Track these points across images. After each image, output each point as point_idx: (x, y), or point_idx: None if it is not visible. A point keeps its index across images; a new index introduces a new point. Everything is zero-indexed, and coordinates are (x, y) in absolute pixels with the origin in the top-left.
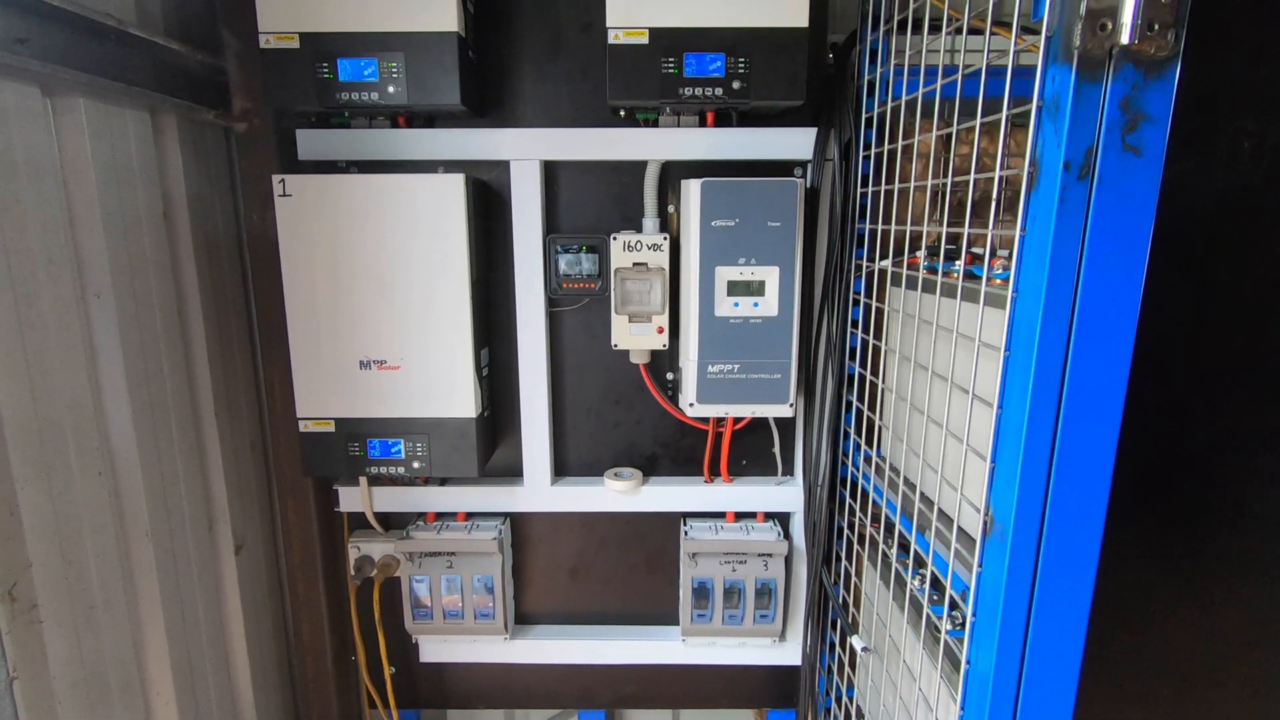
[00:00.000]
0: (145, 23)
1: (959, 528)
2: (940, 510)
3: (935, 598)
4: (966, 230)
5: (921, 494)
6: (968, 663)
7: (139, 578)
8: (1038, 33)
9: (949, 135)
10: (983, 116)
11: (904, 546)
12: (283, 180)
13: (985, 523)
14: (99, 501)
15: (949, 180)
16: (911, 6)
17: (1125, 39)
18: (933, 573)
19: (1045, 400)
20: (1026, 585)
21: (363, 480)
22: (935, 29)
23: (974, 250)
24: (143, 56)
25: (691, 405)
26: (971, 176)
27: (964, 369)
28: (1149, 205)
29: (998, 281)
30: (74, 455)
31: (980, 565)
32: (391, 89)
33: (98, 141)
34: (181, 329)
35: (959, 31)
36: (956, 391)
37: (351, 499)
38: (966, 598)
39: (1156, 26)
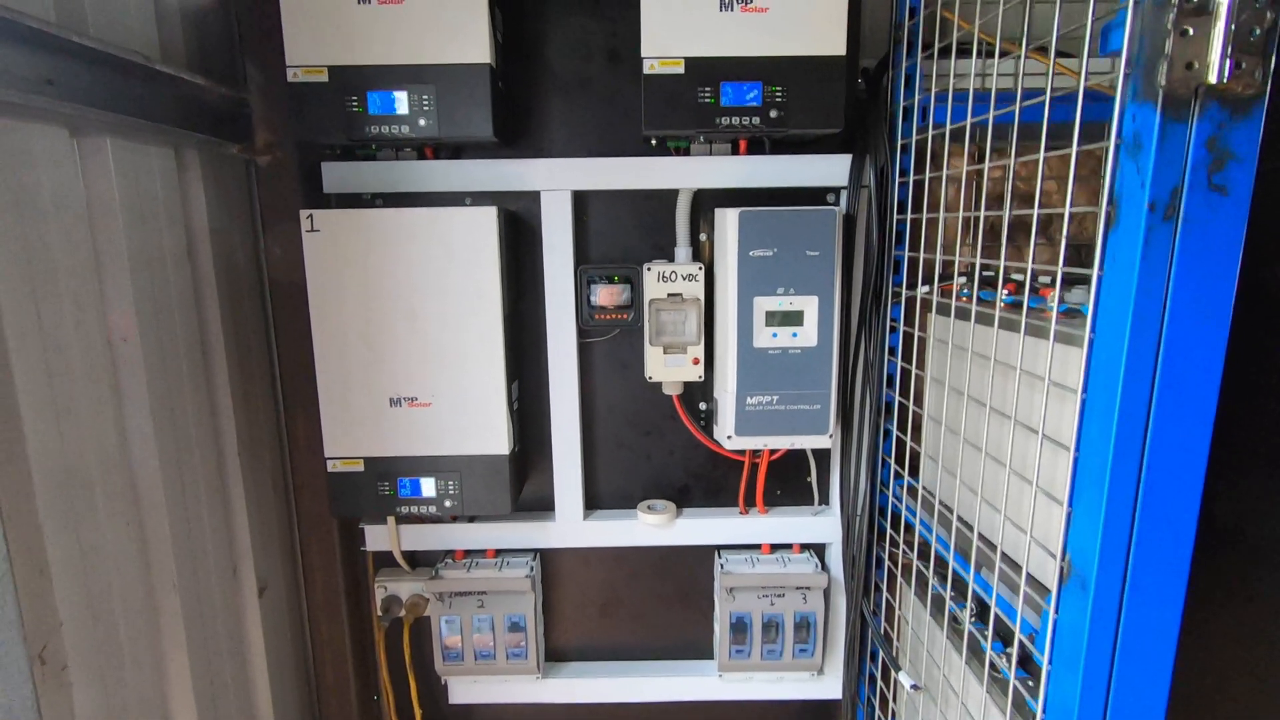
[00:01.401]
0: (169, 57)
1: (1025, 571)
2: (1002, 551)
3: (985, 632)
4: (1003, 260)
5: (979, 533)
6: (1044, 712)
7: (165, 628)
8: (1073, 56)
9: (984, 160)
10: (1019, 142)
11: (946, 577)
12: (310, 215)
13: (1062, 569)
14: (127, 553)
15: (1006, 211)
16: (938, 30)
17: (1213, 78)
18: (984, 607)
19: (1129, 446)
20: (1110, 634)
21: (390, 519)
22: (970, 53)
23: (1014, 278)
24: (168, 92)
25: (730, 438)
26: (1035, 211)
27: (1024, 403)
28: (1235, 245)
29: (1049, 313)
30: (102, 507)
31: (1057, 612)
32: (422, 121)
33: (124, 180)
34: (205, 368)
35: (991, 55)
36: (1013, 424)
37: (378, 538)
38: (1036, 642)
39: (1244, 65)
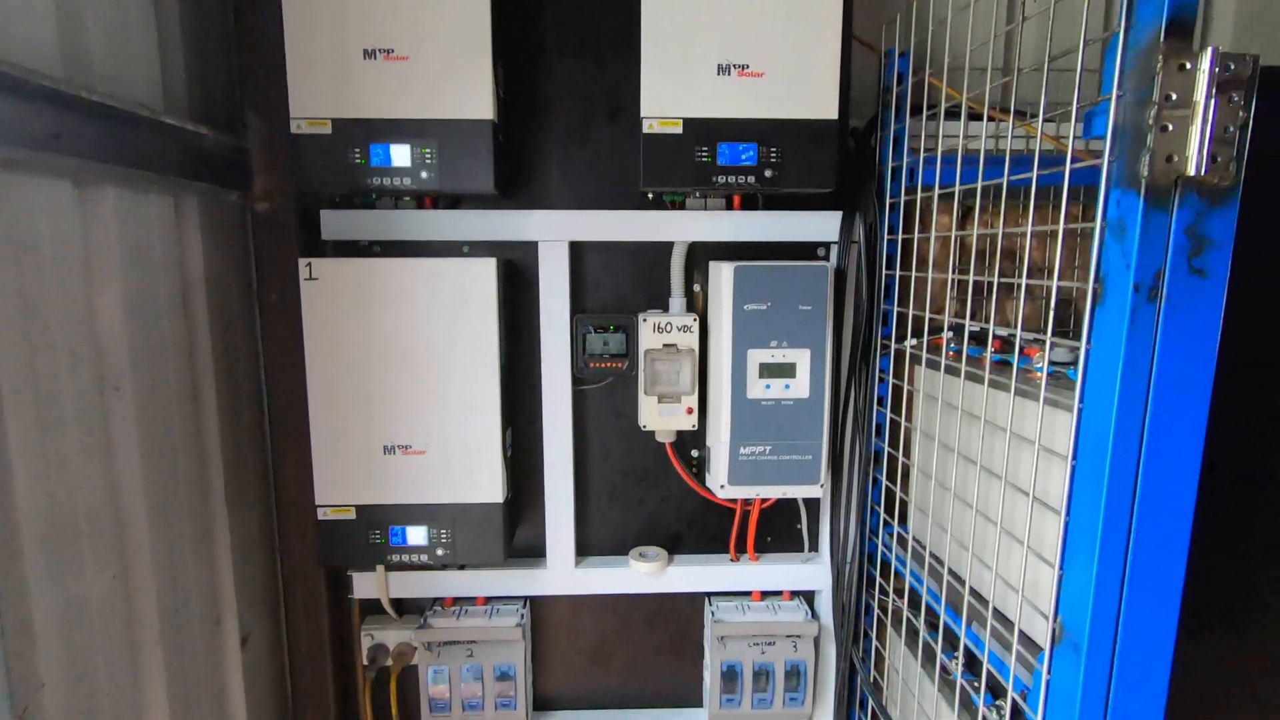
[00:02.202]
0: (172, 107)
1: (1013, 625)
2: (994, 607)
3: (976, 684)
4: (992, 325)
5: (971, 587)
6: None
7: (147, 685)
8: (1039, 117)
9: (969, 220)
10: (1006, 202)
11: (935, 626)
12: (310, 264)
13: (1054, 630)
14: (112, 607)
15: (996, 278)
16: (926, 97)
17: (1192, 170)
18: (973, 659)
19: (1118, 512)
20: (1102, 696)
21: (380, 567)
22: (962, 117)
23: (1000, 335)
24: (171, 143)
25: (723, 487)
26: (1022, 280)
27: (1010, 458)
28: (1215, 324)
29: (1035, 374)
30: (89, 560)
31: (1050, 672)
32: (424, 174)
33: (124, 230)
34: (195, 416)
35: (975, 119)
36: (1003, 483)
37: (366, 585)
38: (1029, 699)
39: (1219, 158)
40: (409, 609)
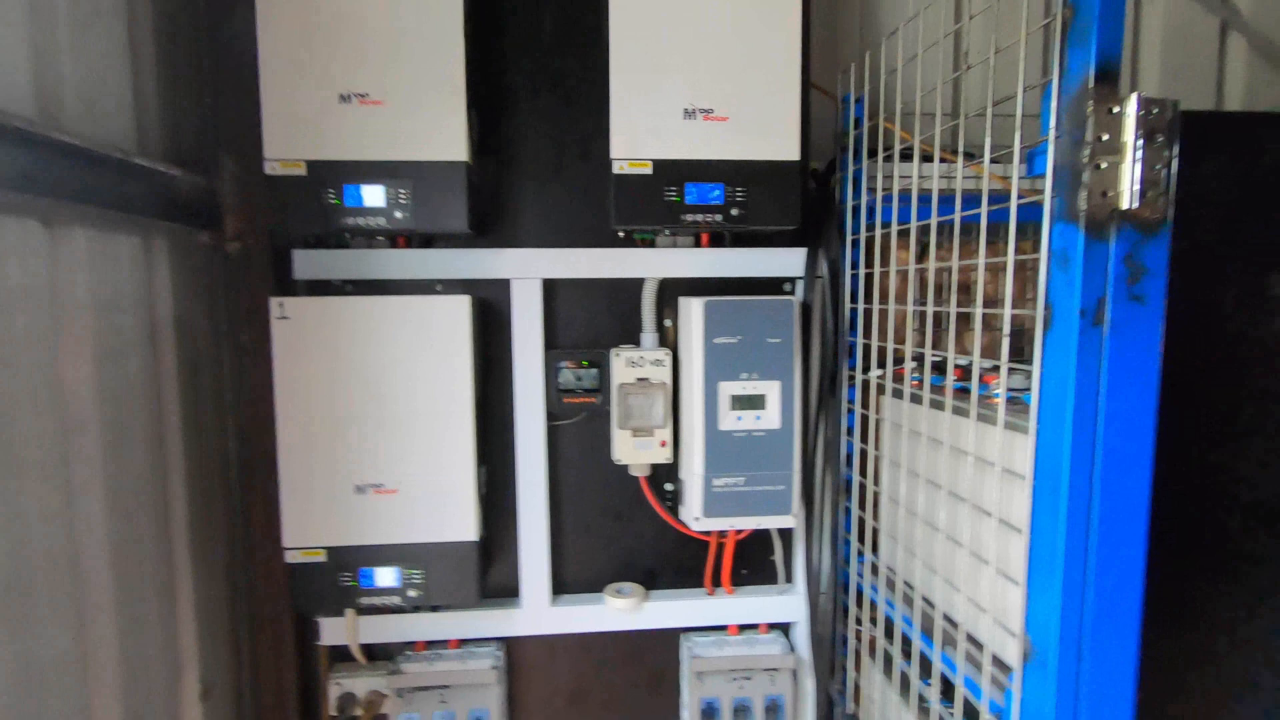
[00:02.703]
0: (144, 147)
1: (984, 647)
2: (965, 631)
3: (952, 710)
4: (951, 355)
5: (943, 612)
6: None
7: None
8: (984, 159)
9: (926, 255)
10: (961, 237)
11: (908, 653)
12: (281, 303)
13: (1025, 649)
14: (69, 660)
15: (953, 310)
16: (881, 140)
17: (1125, 205)
18: (949, 684)
19: (1077, 528)
20: (1071, 709)
21: (350, 611)
22: (915, 158)
23: (960, 364)
24: (142, 184)
25: (697, 519)
26: (978, 310)
27: (971, 481)
28: (1155, 344)
29: (994, 400)
30: (46, 612)
31: (1022, 690)
32: (399, 214)
33: (92, 271)
34: (161, 460)
35: (927, 160)
36: (968, 507)
37: (334, 631)
38: (1003, 718)
39: (1149, 194)
40: (378, 655)
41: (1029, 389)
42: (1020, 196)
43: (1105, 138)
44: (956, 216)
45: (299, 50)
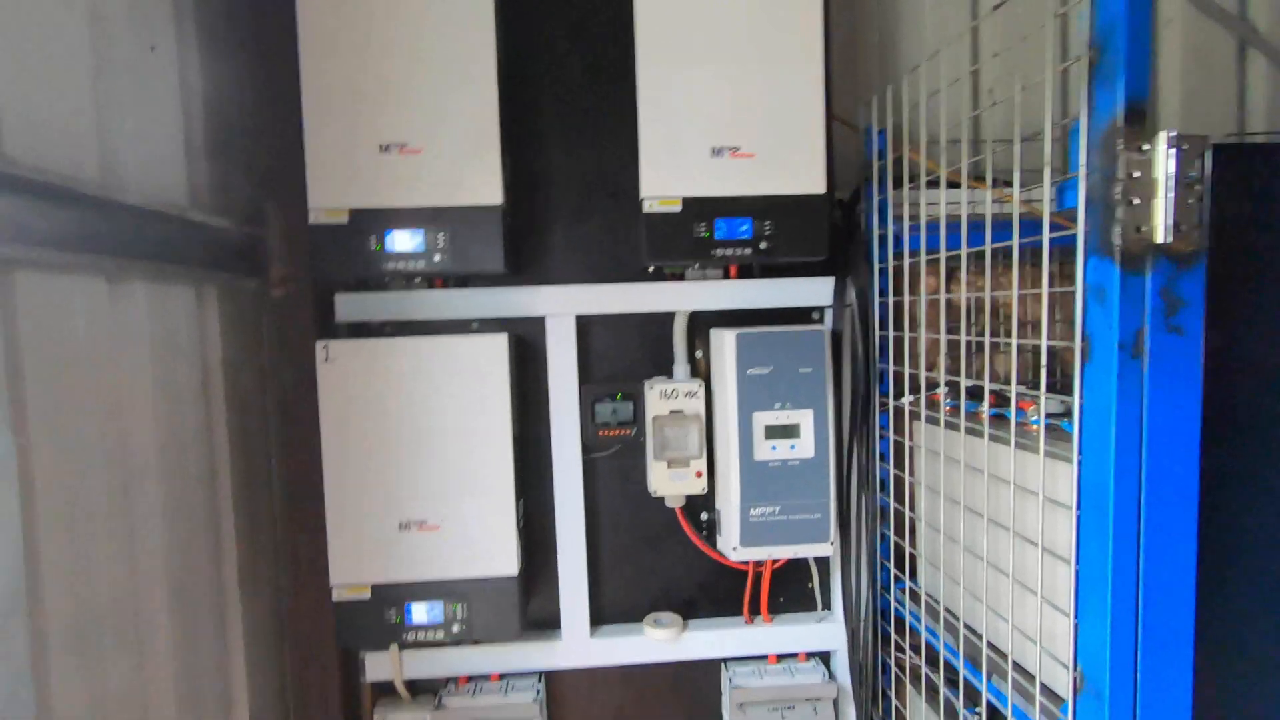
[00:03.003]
0: (196, 202)
1: (1034, 677)
2: (1013, 660)
3: None
4: (987, 383)
5: (989, 640)
6: None
7: None
8: (1014, 188)
9: (953, 282)
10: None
11: (953, 681)
12: (326, 346)
13: (1075, 679)
14: (131, 699)
15: (986, 338)
16: (906, 170)
17: (1160, 239)
18: (994, 713)
19: (1125, 558)
20: None
21: (394, 647)
22: (942, 189)
23: (993, 389)
24: (195, 237)
25: (735, 549)
26: (1014, 341)
27: (1008, 507)
28: (1196, 375)
29: (1031, 427)
30: (110, 654)
31: None
32: (437, 258)
33: (151, 323)
34: (212, 503)
35: (952, 186)
36: (1011, 534)
37: (379, 667)
38: None
39: (1183, 227)
40: (421, 689)
41: (1064, 415)
42: (1054, 228)
43: (1136, 175)
44: (988, 246)
45: (342, 103)
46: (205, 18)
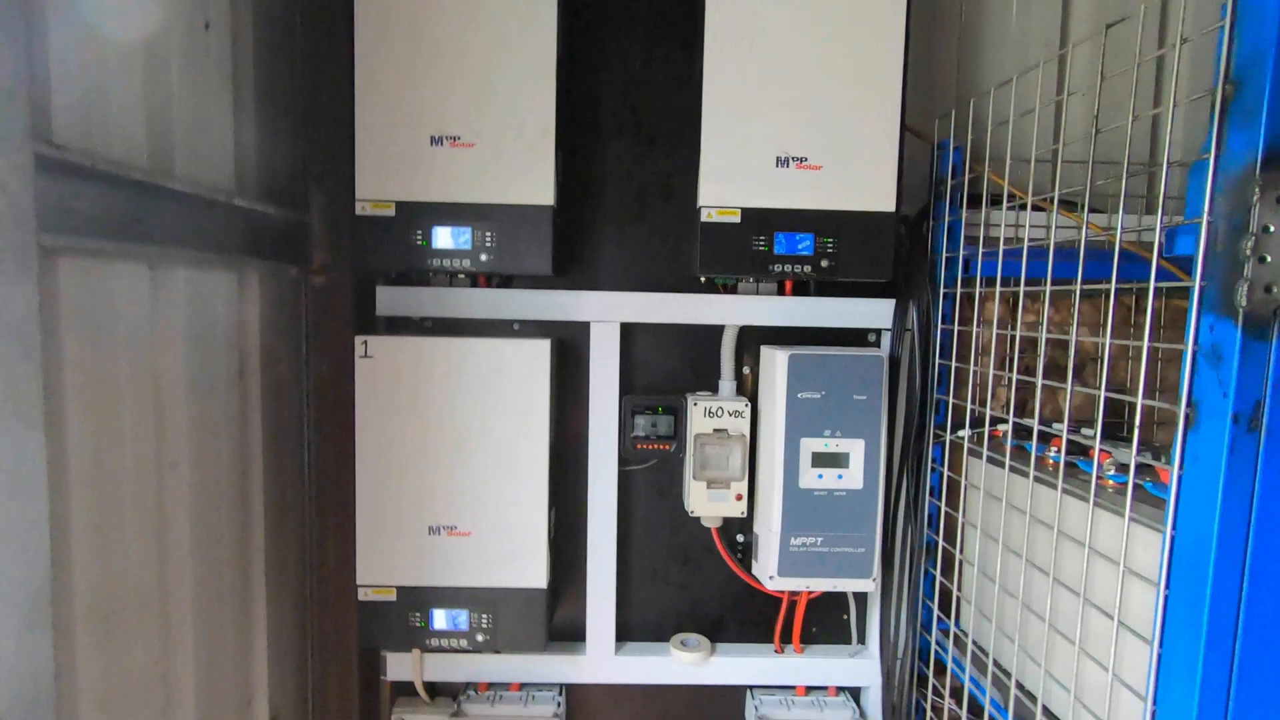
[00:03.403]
0: (243, 187)
1: None
2: None
3: None
4: (1065, 433)
5: (1043, 706)
6: None
7: None
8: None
9: (1024, 313)
10: (1052, 293)
11: None
12: (365, 341)
13: None
14: (153, 687)
15: (1069, 387)
16: (986, 191)
17: None
18: None
19: (1220, 647)
20: None
21: (416, 650)
22: (1027, 214)
23: (1056, 430)
24: (240, 224)
25: (772, 578)
26: (1101, 394)
27: (1073, 566)
28: None
29: (1110, 484)
30: (135, 640)
31: None
32: (484, 256)
33: (190, 309)
34: (242, 492)
35: (1023, 208)
36: (1071, 595)
37: (400, 666)
38: None
39: None
40: (440, 691)
41: (1147, 474)
42: (1160, 274)
43: (1272, 229)
44: (1079, 282)
45: (395, 92)
46: None
